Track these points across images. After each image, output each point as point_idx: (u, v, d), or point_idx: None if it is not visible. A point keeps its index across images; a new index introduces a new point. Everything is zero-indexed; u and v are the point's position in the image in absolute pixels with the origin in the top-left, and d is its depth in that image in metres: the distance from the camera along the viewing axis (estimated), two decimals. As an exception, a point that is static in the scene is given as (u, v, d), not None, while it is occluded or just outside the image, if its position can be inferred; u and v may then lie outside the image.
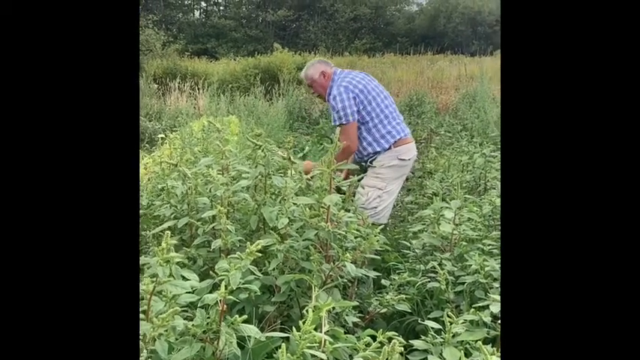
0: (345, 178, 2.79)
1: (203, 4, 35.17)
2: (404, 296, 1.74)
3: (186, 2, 34.16)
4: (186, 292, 1.35)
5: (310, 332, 1.20)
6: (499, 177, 3.14)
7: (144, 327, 1.17)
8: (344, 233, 1.77)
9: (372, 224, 2.15)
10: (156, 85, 9.87)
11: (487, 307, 1.49)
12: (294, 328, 1.23)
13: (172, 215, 1.95)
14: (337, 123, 2.86)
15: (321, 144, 5.08)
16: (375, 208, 2.78)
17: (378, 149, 2.90)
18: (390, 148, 2.89)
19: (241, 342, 1.34)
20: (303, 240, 1.72)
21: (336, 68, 3.08)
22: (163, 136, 5.55)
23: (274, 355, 1.40)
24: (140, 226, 2.19)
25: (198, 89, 9.77)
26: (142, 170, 2.92)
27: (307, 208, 1.80)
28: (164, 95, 9.55)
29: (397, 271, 2.05)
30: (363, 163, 3.01)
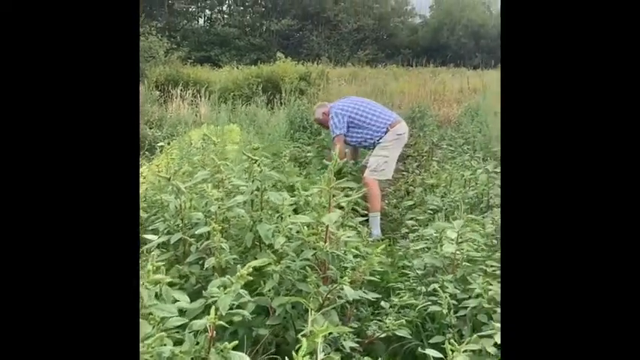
0: (352, 159, 4.25)
1: (207, 11, 35.20)
2: (404, 320, 1.67)
3: (190, 10, 34.22)
4: (176, 316, 1.29)
5: (304, 362, 1.13)
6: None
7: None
8: (343, 254, 1.71)
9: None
10: (158, 92, 9.79)
11: (491, 335, 1.42)
12: (286, 358, 1.16)
13: (166, 230, 1.89)
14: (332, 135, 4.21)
15: (323, 156, 5.04)
16: (384, 170, 3.95)
17: (383, 134, 4.06)
18: (388, 130, 4.04)
19: (232, 369, 1.27)
20: (300, 260, 1.66)
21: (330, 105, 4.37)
22: (163, 144, 5.48)
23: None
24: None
25: (200, 97, 9.70)
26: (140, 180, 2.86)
27: (305, 227, 1.74)
28: (166, 102, 9.48)
29: (397, 292, 1.98)
30: (371, 147, 4.12)
